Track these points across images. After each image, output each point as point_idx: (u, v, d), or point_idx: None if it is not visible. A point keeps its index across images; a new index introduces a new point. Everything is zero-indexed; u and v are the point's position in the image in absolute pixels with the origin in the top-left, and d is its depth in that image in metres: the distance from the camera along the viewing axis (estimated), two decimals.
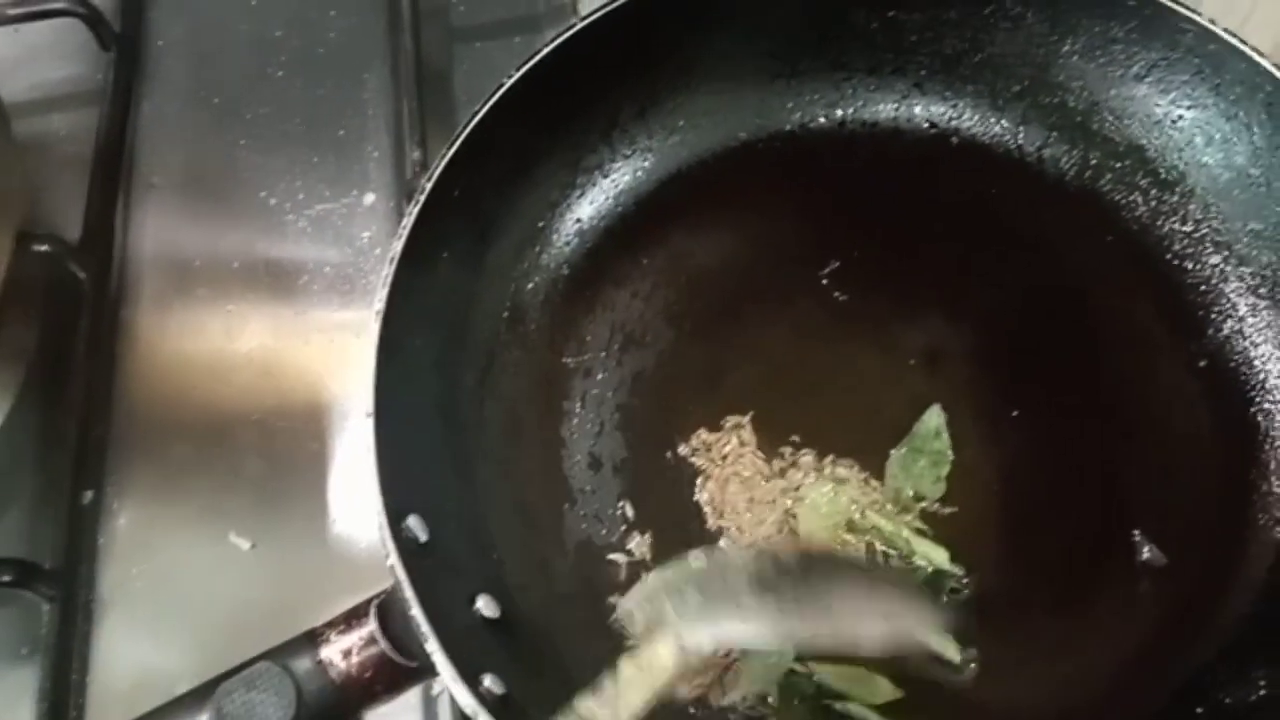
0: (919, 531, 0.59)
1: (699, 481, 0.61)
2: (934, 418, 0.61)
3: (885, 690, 0.55)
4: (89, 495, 0.67)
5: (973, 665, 0.56)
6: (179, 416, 0.71)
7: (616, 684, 0.46)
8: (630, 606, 0.49)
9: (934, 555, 0.58)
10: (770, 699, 0.55)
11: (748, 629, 0.47)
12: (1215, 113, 0.63)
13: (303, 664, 0.47)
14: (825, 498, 0.60)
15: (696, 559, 0.50)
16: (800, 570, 0.49)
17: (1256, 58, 0.60)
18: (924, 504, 0.60)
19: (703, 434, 0.63)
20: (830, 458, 0.61)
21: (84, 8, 0.82)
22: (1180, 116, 0.65)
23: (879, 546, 0.59)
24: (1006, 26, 0.67)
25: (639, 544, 0.60)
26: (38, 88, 0.84)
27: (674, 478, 0.62)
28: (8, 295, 0.65)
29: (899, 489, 0.60)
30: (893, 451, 0.61)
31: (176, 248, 0.77)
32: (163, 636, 0.64)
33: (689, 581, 0.48)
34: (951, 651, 0.55)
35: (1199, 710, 0.54)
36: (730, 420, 0.63)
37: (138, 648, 0.64)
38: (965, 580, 0.58)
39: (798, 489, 0.61)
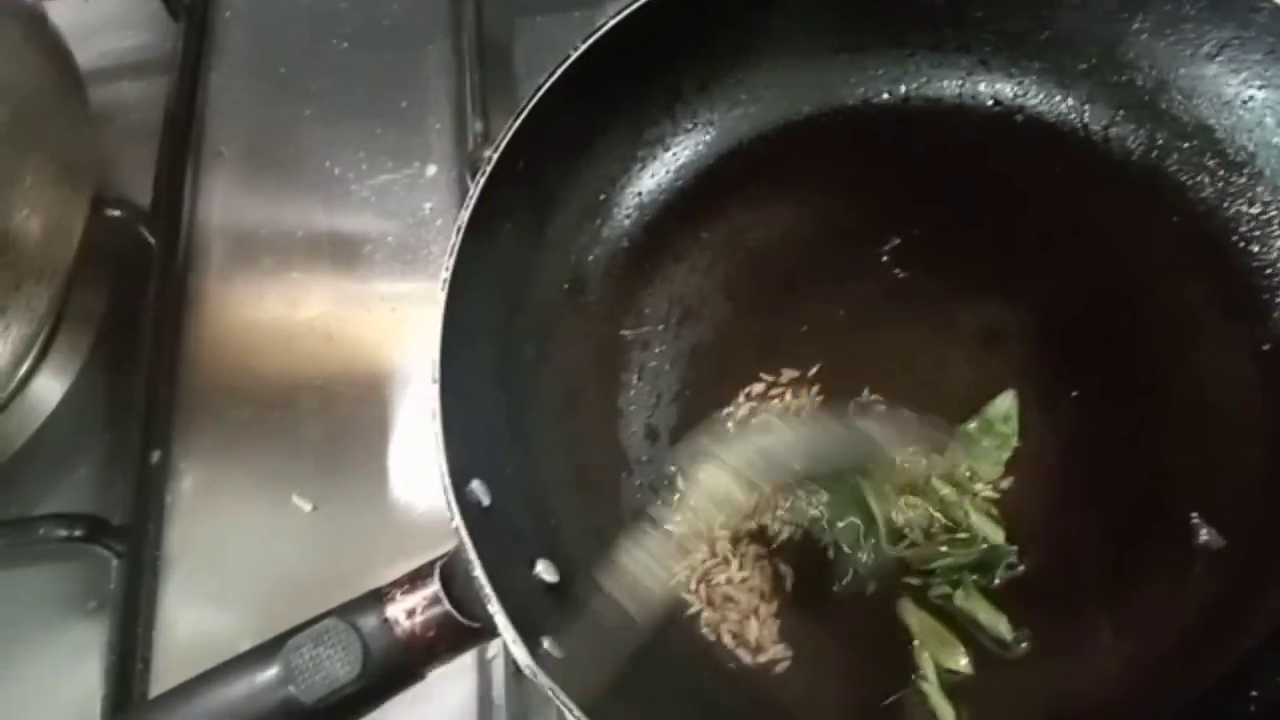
0: (981, 508, 0.59)
1: None
2: (1007, 400, 0.61)
3: (960, 660, 0.56)
4: (156, 455, 0.69)
5: (1024, 645, 0.56)
6: (243, 381, 0.73)
7: (691, 506, 0.50)
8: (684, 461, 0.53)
9: (991, 532, 0.58)
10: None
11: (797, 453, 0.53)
12: None
13: (369, 622, 0.48)
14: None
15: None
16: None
17: None
18: (979, 484, 0.60)
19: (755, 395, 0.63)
20: None
21: None
22: (1251, 97, 0.64)
23: (933, 513, 0.59)
24: (1074, 3, 0.66)
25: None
26: (109, 56, 0.86)
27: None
28: (80, 260, 0.67)
29: (958, 464, 0.60)
30: (961, 427, 0.61)
31: (242, 216, 0.79)
32: (226, 594, 0.66)
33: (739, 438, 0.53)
34: (1003, 629, 0.56)
35: (1253, 694, 0.53)
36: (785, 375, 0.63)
37: (202, 605, 0.66)
38: (1019, 560, 0.58)
39: None
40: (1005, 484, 0.60)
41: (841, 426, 0.58)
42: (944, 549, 0.58)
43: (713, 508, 0.53)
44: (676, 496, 0.55)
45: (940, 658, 0.56)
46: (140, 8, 0.86)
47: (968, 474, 0.60)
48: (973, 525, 0.58)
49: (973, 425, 0.61)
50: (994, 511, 0.59)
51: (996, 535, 0.58)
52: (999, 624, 0.56)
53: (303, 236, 0.77)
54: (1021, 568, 0.58)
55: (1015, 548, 0.58)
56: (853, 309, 0.65)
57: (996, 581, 0.57)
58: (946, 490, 0.59)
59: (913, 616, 0.57)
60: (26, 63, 0.68)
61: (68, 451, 0.71)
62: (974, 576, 0.57)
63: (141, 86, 0.84)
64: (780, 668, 0.57)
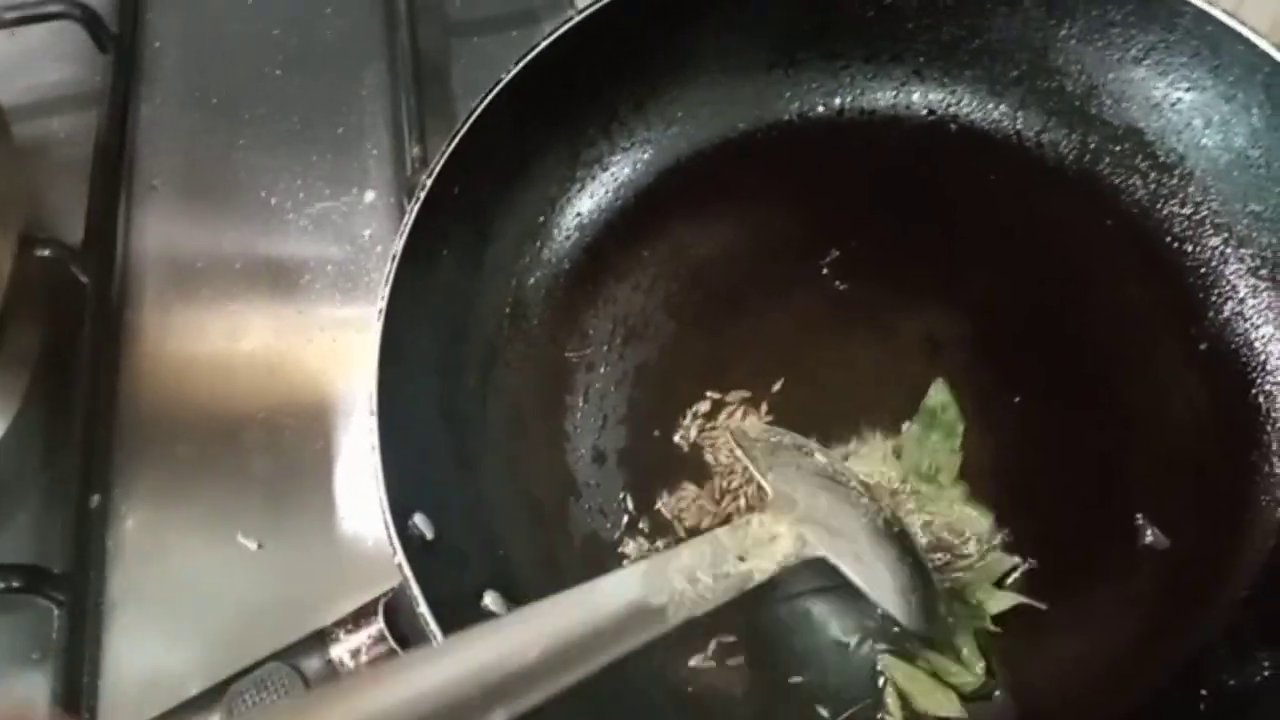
0: (960, 498, 0.59)
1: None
2: (940, 392, 0.62)
3: (955, 707, 0.55)
4: (96, 499, 0.68)
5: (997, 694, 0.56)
6: (184, 418, 0.72)
7: (746, 543, 0.47)
8: (751, 436, 0.52)
9: (978, 518, 0.59)
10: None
11: (858, 576, 0.50)
12: (1214, 94, 0.63)
13: (313, 664, 0.48)
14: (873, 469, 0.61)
15: (822, 453, 0.54)
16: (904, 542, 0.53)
17: (1254, 39, 0.60)
18: (943, 475, 0.60)
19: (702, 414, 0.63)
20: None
21: (80, 10, 0.82)
22: (1179, 99, 0.65)
23: (924, 515, 0.59)
24: (1004, 11, 0.67)
25: (641, 537, 0.60)
26: (35, 90, 0.84)
27: (677, 467, 0.62)
28: (11, 300, 0.66)
29: (917, 463, 0.60)
30: (904, 427, 0.61)
31: (178, 249, 0.77)
32: (173, 638, 0.65)
33: (817, 476, 0.51)
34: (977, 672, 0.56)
35: (1202, 692, 0.54)
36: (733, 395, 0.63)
37: (148, 650, 0.65)
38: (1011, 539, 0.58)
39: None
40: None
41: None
42: (961, 574, 0.58)
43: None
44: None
45: (933, 708, 0.55)
46: (66, 40, 0.84)
47: (931, 469, 0.60)
48: (960, 515, 0.58)
49: (915, 425, 0.62)
50: (971, 497, 0.59)
51: (985, 521, 0.59)
52: (976, 666, 0.56)
53: (241, 268, 0.76)
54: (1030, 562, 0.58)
55: (1006, 530, 0.58)
56: (795, 323, 0.65)
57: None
58: (924, 487, 0.60)
59: (898, 671, 0.56)
60: None
61: (5, 498, 0.69)
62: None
63: (70, 120, 0.82)
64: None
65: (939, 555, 0.58)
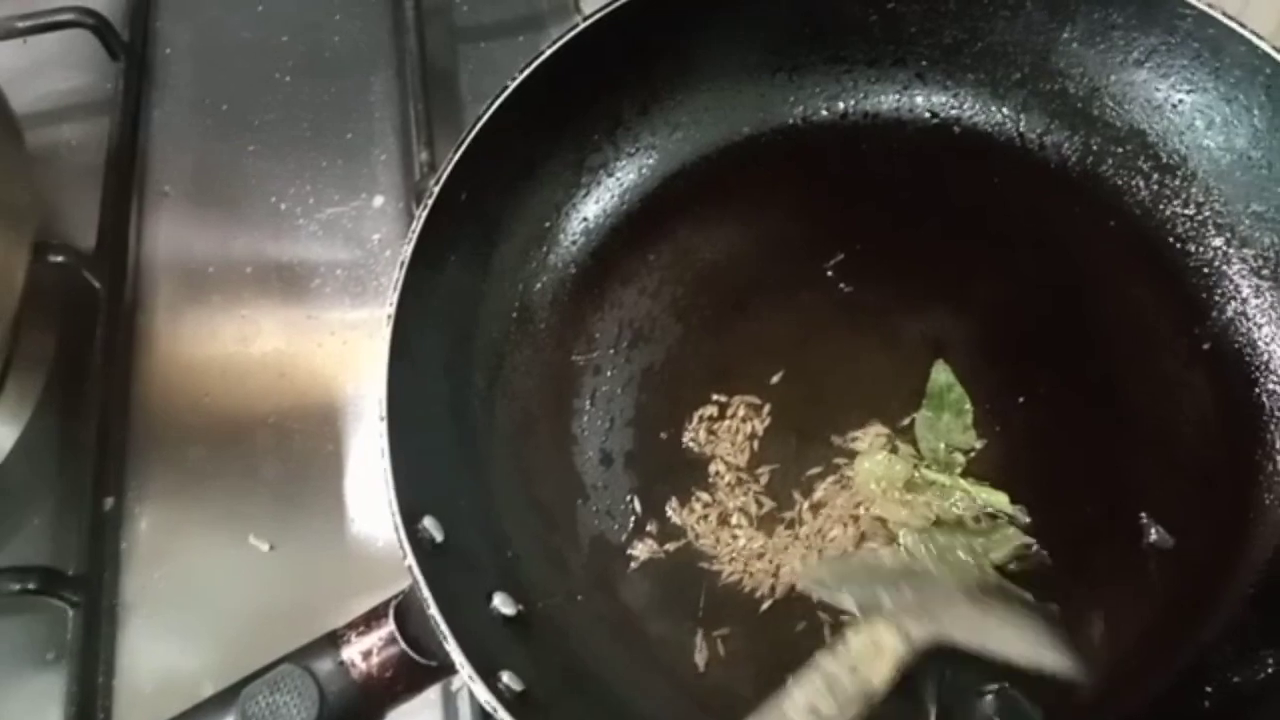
0: (972, 480, 0.60)
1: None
2: (942, 373, 0.63)
3: None
4: (110, 501, 0.69)
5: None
6: (196, 421, 0.72)
7: (851, 657, 0.46)
8: (819, 579, 0.51)
9: (995, 499, 0.59)
10: None
11: (968, 633, 0.49)
12: (1215, 96, 0.64)
13: (325, 665, 0.48)
14: (880, 464, 0.61)
15: (890, 557, 0.54)
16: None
17: (1256, 40, 0.60)
18: (957, 454, 0.61)
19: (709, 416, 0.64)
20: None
21: (92, 18, 0.83)
22: (1180, 101, 0.65)
23: (942, 503, 0.59)
24: (1005, 15, 0.67)
25: (649, 540, 0.61)
26: (47, 98, 0.85)
27: (684, 470, 0.62)
28: (25, 306, 0.66)
29: (934, 448, 0.61)
30: (915, 415, 0.62)
31: (189, 254, 0.78)
32: (186, 639, 0.66)
33: (897, 575, 0.51)
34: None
35: (1207, 690, 0.54)
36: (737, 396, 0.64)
37: (162, 651, 0.65)
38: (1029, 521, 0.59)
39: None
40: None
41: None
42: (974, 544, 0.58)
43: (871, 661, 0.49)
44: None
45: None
46: (78, 48, 0.85)
47: (948, 451, 0.61)
48: (977, 498, 0.59)
49: (925, 410, 0.62)
50: (984, 481, 0.60)
51: (1001, 500, 0.59)
52: None
53: (251, 272, 0.77)
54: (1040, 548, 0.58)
55: (1022, 509, 0.59)
56: (800, 326, 0.66)
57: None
58: (939, 477, 0.60)
59: None
60: None
61: (20, 501, 0.70)
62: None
63: (82, 127, 0.83)
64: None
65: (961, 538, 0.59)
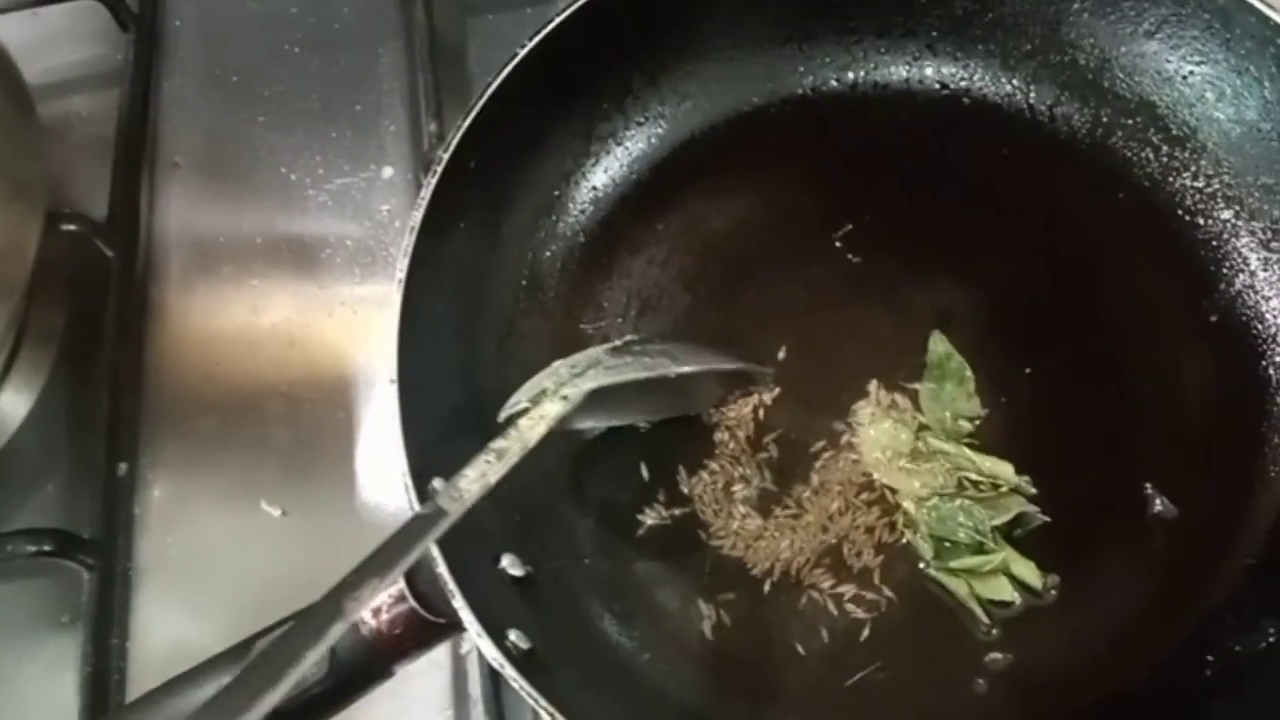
0: (978, 450, 0.60)
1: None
2: (939, 344, 0.63)
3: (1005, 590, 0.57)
4: (123, 468, 0.69)
5: (1054, 591, 0.57)
6: (208, 390, 0.73)
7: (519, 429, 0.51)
8: (513, 401, 0.55)
9: (1000, 470, 0.60)
10: None
11: (610, 374, 0.55)
12: (1226, 67, 0.63)
13: None
14: (885, 433, 0.61)
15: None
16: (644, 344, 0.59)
17: (1267, 11, 0.60)
18: (963, 422, 0.61)
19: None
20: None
21: None
22: (1191, 72, 0.65)
23: (946, 471, 0.60)
24: None
25: (658, 506, 0.61)
26: (58, 70, 0.85)
27: (691, 438, 0.63)
28: (38, 276, 0.67)
29: (939, 418, 0.61)
30: (918, 387, 0.62)
31: (200, 225, 0.79)
32: (199, 602, 0.66)
33: (559, 367, 0.56)
34: (1033, 577, 0.57)
35: (1209, 659, 0.55)
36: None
37: (175, 614, 0.66)
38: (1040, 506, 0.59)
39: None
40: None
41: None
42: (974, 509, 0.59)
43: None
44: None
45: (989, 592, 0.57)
46: (89, 20, 0.85)
47: (954, 420, 0.61)
48: (982, 468, 0.59)
49: (927, 381, 0.62)
50: (990, 453, 0.60)
51: (1006, 470, 0.59)
52: (1028, 572, 0.57)
53: (262, 243, 0.77)
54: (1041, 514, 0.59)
55: (1027, 479, 0.59)
56: (808, 296, 0.66)
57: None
58: (945, 445, 0.60)
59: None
60: None
61: (35, 467, 0.71)
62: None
63: (93, 99, 0.84)
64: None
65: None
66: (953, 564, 0.58)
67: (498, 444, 0.50)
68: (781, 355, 0.64)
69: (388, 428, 0.54)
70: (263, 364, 0.74)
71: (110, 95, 0.82)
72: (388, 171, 0.79)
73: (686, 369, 0.58)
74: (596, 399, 0.55)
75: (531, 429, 0.52)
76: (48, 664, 0.65)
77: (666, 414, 0.62)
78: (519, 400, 0.54)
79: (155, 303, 0.76)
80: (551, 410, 0.53)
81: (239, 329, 0.75)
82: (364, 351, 0.73)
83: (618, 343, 0.60)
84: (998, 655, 0.57)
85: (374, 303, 0.75)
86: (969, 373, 0.62)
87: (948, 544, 0.58)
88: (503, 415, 0.54)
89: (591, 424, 0.61)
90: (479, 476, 0.48)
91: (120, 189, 0.78)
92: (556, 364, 0.56)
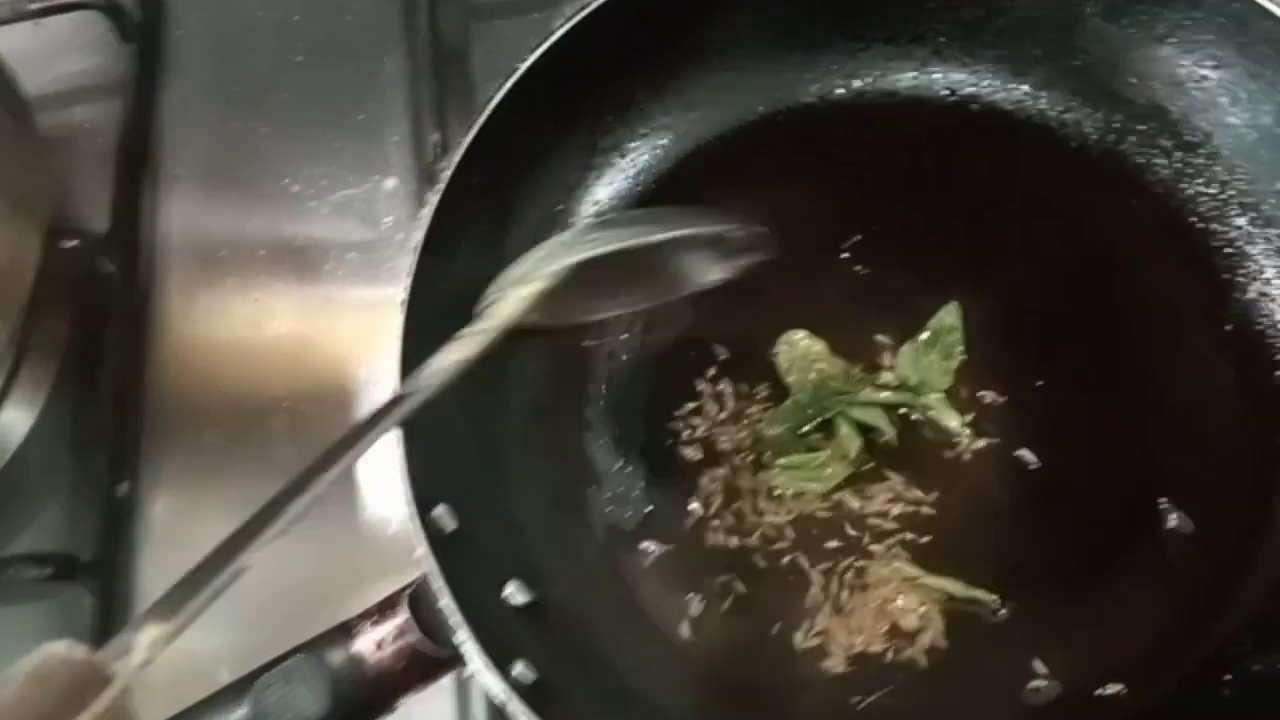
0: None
1: None
2: (951, 312, 0.63)
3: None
4: (124, 487, 0.69)
5: (1002, 612, 0.57)
6: (210, 405, 0.73)
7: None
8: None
9: (947, 415, 0.61)
10: None
11: (586, 248, 0.56)
12: (1240, 72, 0.62)
13: (337, 656, 0.48)
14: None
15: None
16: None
17: None
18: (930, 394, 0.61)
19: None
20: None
21: (103, 0, 0.82)
22: (1204, 77, 0.64)
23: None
24: None
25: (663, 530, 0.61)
26: (59, 81, 0.84)
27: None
28: (39, 291, 0.67)
29: (904, 376, 0.62)
30: (905, 345, 0.62)
31: (203, 237, 0.78)
32: (201, 624, 0.65)
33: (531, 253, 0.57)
34: (953, 421, 0.60)
35: (1226, 678, 0.54)
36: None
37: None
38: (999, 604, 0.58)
39: None
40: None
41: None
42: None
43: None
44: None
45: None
46: (90, 30, 0.84)
47: (919, 385, 0.62)
48: (931, 411, 0.60)
49: (922, 338, 0.62)
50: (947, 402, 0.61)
51: (953, 418, 0.60)
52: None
53: (264, 255, 0.77)
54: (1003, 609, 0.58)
55: (969, 431, 0.60)
56: (816, 309, 0.65)
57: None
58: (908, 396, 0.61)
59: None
60: None
61: (36, 487, 0.70)
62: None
63: (94, 110, 0.83)
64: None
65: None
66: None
67: (467, 330, 0.51)
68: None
69: (391, 448, 0.53)
70: (266, 378, 0.73)
71: (112, 106, 0.82)
72: (391, 182, 0.78)
73: (670, 234, 0.58)
74: (577, 285, 0.54)
75: (503, 310, 0.52)
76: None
77: (656, 298, 0.61)
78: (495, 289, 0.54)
79: (157, 316, 0.76)
80: (524, 292, 0.53)
81: (242, 342, 0.75)
82: (368, 366, 0.72)
83: (591, 220, 0.60)
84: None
85: (378, 314, 0.74)
86: (961, 352, 0.62)
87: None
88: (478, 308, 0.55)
89: (580, 317, 0.61)
90: (446, 357, 0.49)
91: (122, 202, 0.78)
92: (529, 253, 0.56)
